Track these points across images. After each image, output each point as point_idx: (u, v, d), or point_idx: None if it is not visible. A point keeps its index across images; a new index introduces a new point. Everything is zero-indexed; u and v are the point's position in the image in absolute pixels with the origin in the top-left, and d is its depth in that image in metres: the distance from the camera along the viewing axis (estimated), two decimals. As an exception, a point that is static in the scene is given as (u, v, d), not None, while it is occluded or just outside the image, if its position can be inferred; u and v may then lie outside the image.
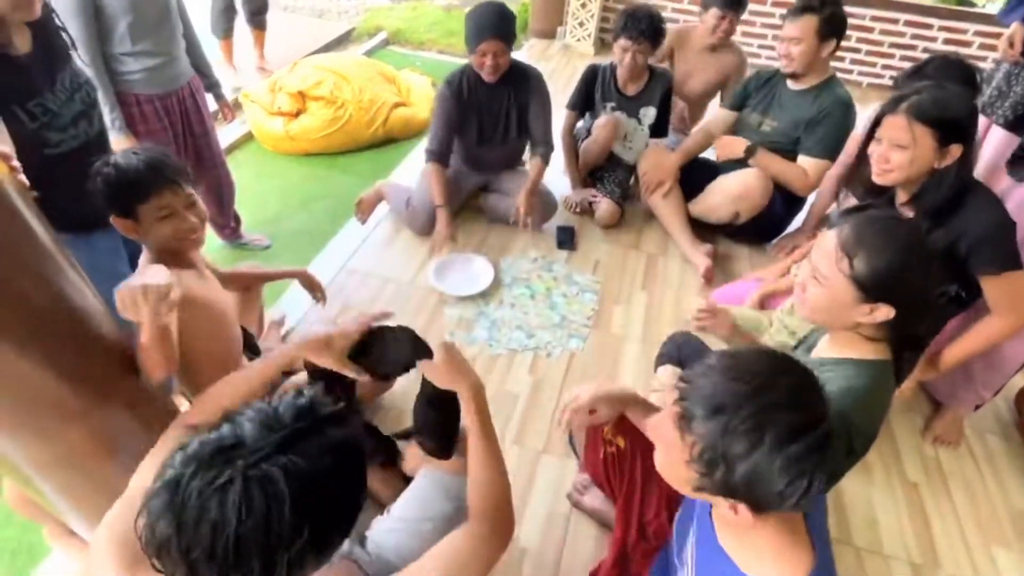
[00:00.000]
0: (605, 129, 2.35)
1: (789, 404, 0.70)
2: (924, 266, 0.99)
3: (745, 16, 3.77)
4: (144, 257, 1.30)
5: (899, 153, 1.34)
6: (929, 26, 3.74)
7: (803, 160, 2.14)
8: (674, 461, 0.75)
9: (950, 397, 1.79)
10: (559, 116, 2.43)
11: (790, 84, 2.14)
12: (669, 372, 1.73)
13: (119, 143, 1.82)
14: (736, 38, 2.68)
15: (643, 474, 1.30)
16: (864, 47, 3.91)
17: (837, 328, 1.08)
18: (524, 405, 1.74)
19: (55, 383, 0.94)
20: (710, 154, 2.41)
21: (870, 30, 3.84)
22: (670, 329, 1.98)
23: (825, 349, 1.13)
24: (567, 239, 2.37)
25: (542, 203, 2.35)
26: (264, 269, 1.75)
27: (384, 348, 1.07)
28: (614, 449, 1.30)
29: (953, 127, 1.31)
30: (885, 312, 0.98)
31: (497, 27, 1.98)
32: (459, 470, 1.18)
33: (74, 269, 1.00)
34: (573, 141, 2.53)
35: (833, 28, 1.97)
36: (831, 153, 2.11)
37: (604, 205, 2.45)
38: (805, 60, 2.00)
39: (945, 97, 1.32)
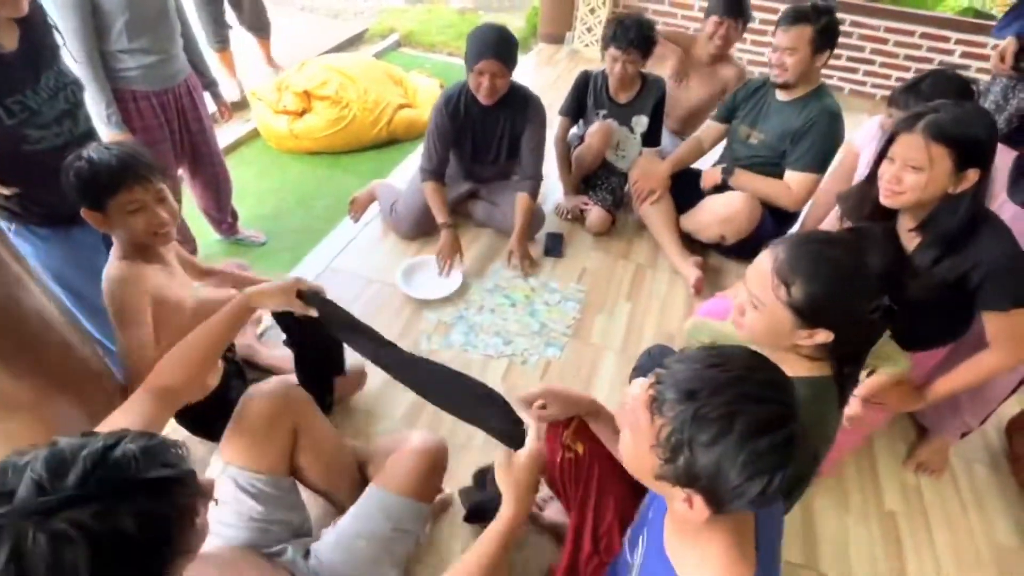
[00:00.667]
0: (597, 136, 2.33)
1: (762, 397, 0.69)
2: (862, 288, 0.96)
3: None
4: (114, 251, 1.32)
5: (913, 175, 1.25)
6: (946, 39, 3.63)
7: (789, 174, 2.09)
8: (639, 445, 0.74)
9: (936, 424, 1.73)
10: (553, 128, 2.42)
11: (779, 95, 2.08)
12: (642, 385, 1.71)
13: (114, 138, 1.86)
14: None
15: (599, 484, 1.28)
16: (878, 59, 3.82)
17: (776, 350, 1.06)
18: (494, 412, 1.73)
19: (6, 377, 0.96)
20: (706, 163, 2.38)
21: (884, 41, 3.75)
22: (651, 342, 1.97)
23: None
24: (554, 246, 2.35)
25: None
26: (250, 275, 1.74)
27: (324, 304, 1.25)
28: (572, 455, 1.28)
29: (973, 150, 1.23)
30: (824, 336, 0.96)
31: (497, 48, 1.95)
32: (405, 491, 1.17)
33: (19, 263, 1.02)
34: (566, 148, 2.51)
35: (827, 39, 1.92)
36: (817, 166, 2.06)
37: (595, 213, 2.43)
38: (798, 70, 1.95)
39: (966, 117, 1.24)
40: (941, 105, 1.27)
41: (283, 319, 1.36)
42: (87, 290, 1.60)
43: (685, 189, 2.34)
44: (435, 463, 1.26)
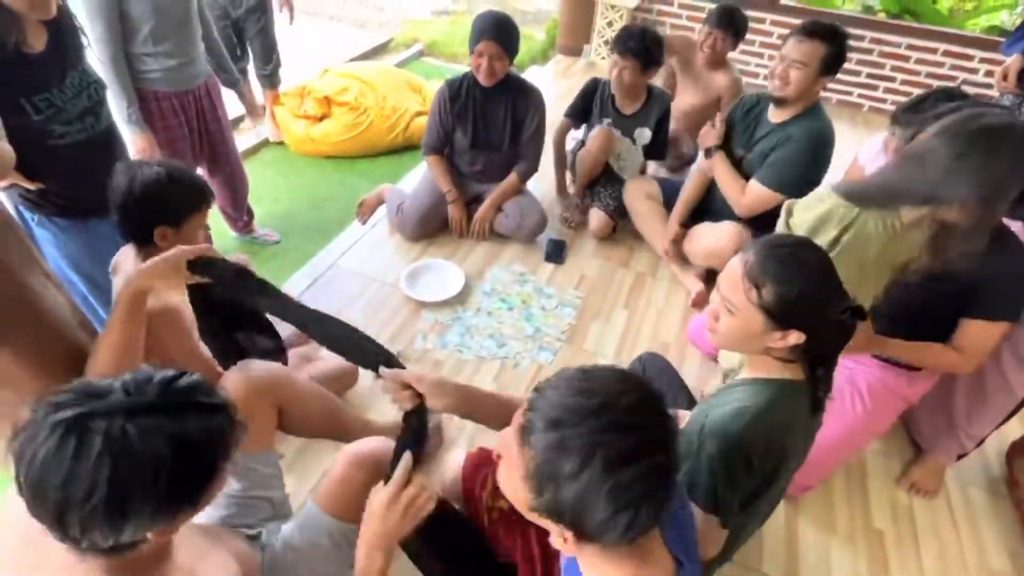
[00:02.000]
0: (597, 140, 2.37)
1: (626, 425, 0.66)
2: (831, 288, 0.98)
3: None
4: (131, 255, 1.35)
5: None
6: (970, 57, 3.57)
7: (750, 183, 2.02)
8: (513, 477, 0.72)
9: (932, 443, 1.70)
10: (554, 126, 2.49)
11: (771, 115, 2.01)
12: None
13: (134, 136, 1.96)
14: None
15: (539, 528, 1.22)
16: (899, 76, 3.77)
17: (750, 354, 1.07)
18: (482, 412, 1.76)
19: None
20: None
21: (906, 59, 3.70)
22: (645, 350, 1.97)
23: (743, 372, 1.12)
24: (555, 252, 2.38)
25: (533, 213, 2.37)
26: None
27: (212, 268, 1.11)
28: (497, 514, 1.22)
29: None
30: (796, 337, 0.98)
31: (495, 31, 2.07)
32: (339, 514, 1.09)
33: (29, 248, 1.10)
34: (563, 148, 2.58)
35: (835, 63, 1.86)
36: (778, 184, 1.94)
37: (596, 217, 2.45)
38: (801, 87, 1.87)
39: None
40: (962, 107, 1.27)
41: (200, 301, 1.19)
42: (103, 279, 1.69)
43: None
44: (367, 478, 1.07)
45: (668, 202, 2.37)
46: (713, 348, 1.96)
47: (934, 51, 3.63)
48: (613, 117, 2.39)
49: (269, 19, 3.05)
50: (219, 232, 2.46)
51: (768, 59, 3.99)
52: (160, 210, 1.29)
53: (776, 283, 0.96)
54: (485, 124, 2.29)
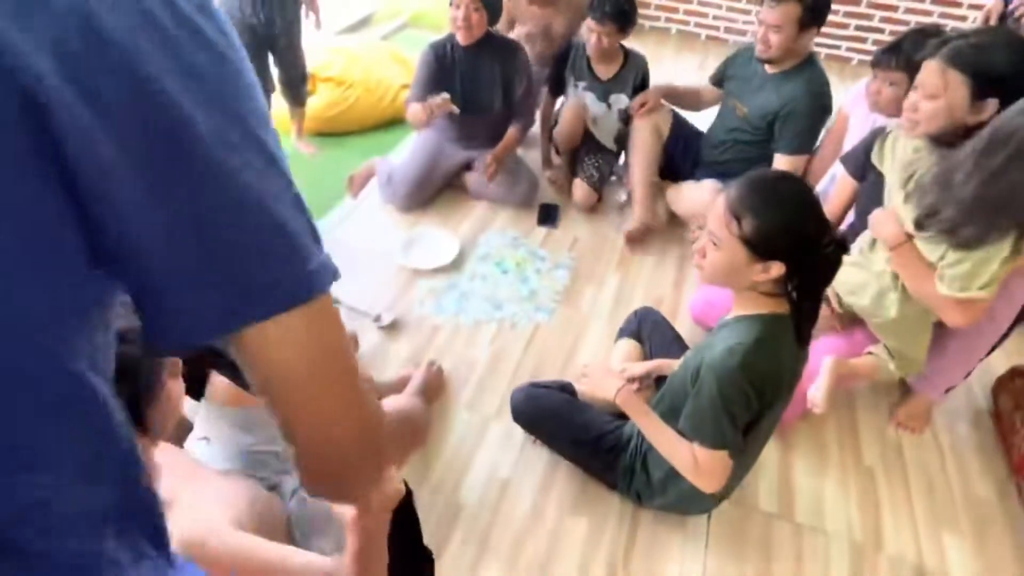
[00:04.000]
0: (568, 113, 2.36)
1: None
2: (810, 219, 1.02)
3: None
4: None
5: (929, 102, 1.27)
6: (958, 4, 3.55)
7: (778, 158, 2.07)
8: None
9: (920, 380, 1.74)
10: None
11: (766, 67, 2.05)
12: (625, 346, 1.76)
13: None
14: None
15: None
16: (888, 27, 3.74)
17: (737, 289, 1.11)
18: (481, 373, 1.80)
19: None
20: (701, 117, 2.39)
21: (894, 8, 3.67)
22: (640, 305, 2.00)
23: (731, 311, 1.16)
24: (549, 216, 2.40)
25: (524, 179, 2.38)
26: None
27: None
28: None
29: (991, 78, 1.22)
30: (778, 268, 1.01)
31: None
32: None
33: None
34: (548, 117, 2.57)
35: (815, 16, 1.87)
36: (807, 146, 2.05)
37: (580, 188, 2.44)
38: (783, 48, 1.91)
39: (989, 44, 1.24)
40: (972, 32, 1.30)
41: None
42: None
43: (680, 156, 2.36)
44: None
45: (674, 143, 2.34)
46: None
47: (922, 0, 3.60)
48: (589, 81, 2.36)
49: (298, 35, 2.75)
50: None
51: (728, 11, 3.96)
52: None
53: (755, 215, 0.99)
54: (473, 87, 2.27)
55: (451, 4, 2.10)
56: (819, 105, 2.00)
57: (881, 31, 3.75)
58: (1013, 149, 1.11)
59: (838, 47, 3.91)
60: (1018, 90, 1.19)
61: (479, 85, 2.28)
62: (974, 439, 1.74)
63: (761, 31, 1.93)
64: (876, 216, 1.46)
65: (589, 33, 2.21)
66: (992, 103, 1.22)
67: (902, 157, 1.43)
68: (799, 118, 1.99)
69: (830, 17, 3.66)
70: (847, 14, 3.76)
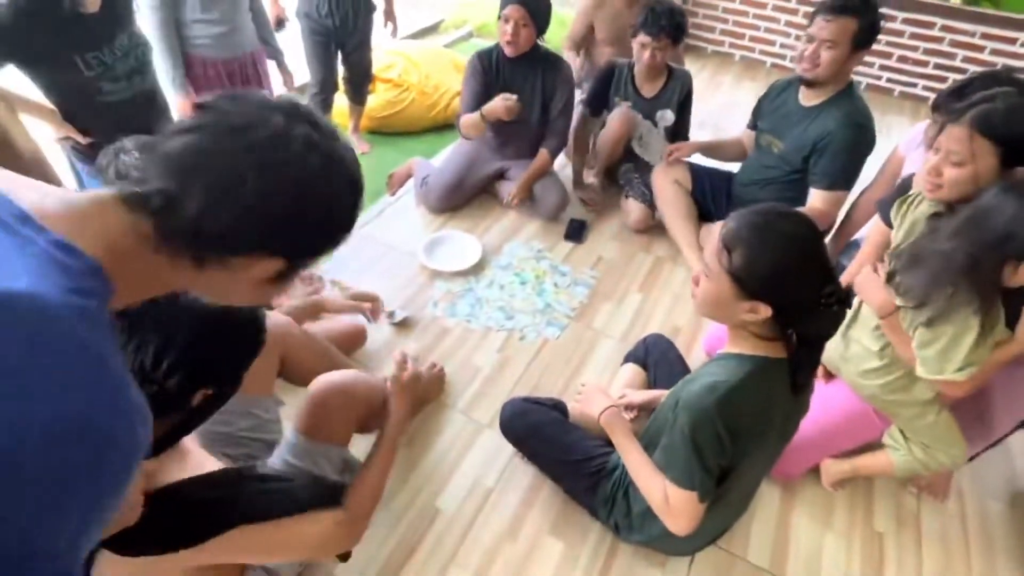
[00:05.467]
0: (617, 121, 2.33)
1: None
2: (805, 264, 0.94)
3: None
4: None
5: (953, 169, 1.18)
6: (1011, 40, 3.30)
7: (812, 192, 1.94)
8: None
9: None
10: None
11: (801, 99, 1.93)
12: (628, 371, 1.72)
13: (178, 99, 2.10)
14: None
15: None
16: (932, 60, 3.55)
17: (729, 324, 1.06)
18: (483, 380, 1.80)
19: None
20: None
21: (939, 40, 3.45)
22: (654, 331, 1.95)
23: (725, 345, 1.11)
24: (576, 232, 2.38)
25: (555, 193, 2.37)
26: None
27: None
28: None
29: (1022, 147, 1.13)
30: (764, 310, 0.95)
31: None
32: (312, 435, 1.20)
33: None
34: (584, 137, 2.54)
35: (869, 36, 1.75)
36: (844, 182, 1.91)
37: (635, 209, 2.39)
38: (833, 68, 1.79)
39: (1021, 108, 1.14)
40: (1000, 94, 1.18)
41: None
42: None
43: (712, 196, 2.29)
44: (327, 402, 1.22)
45: (701, 189, 2.29)
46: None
47: (971, 33, 3.39)
48: (633, 99, 2.34)
49: (368, 38, 2.85)
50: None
51: (795, 39, 3.82)
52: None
53: (746, 249, 0.94)
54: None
55: (500, 17, 2.13)
56: (860, 139, 1.86)
57: (963, 71, 3.52)
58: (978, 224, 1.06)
59: (914, 85, 3.70)
60: None
61: (520, 96, 2.29)
62: (1007, 521, 1.58)
63: (811, 49, 1.79)
64: (863, 278, 1.35)
65: (642, 49, 2.19)
66: (1022, 171, 1.12)
67: (912, 219, 1.33)
68: (837, 151, 1.86)
69: (908, 54, 3.60)
70: (927, 51, 3.56)
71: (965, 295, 1.07)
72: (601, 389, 1.41)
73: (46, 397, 0.41)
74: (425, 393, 1.69)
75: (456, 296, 2.07)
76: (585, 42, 2.81)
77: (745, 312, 0.97)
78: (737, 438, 1.02)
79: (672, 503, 1.10)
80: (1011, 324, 1.20)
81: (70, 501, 0.42)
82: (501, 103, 2.16)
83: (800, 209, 1.89)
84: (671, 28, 2.08)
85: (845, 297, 0.96)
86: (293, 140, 0.56)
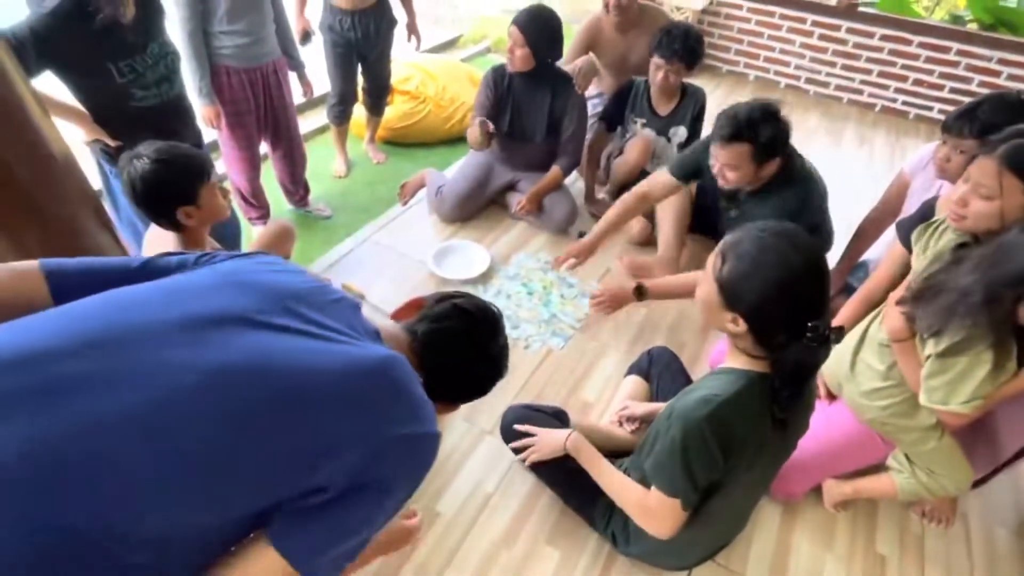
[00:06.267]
0: (636, 150, 2.37)
1: None
2: (785, 294, 0.93)
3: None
4: (164, 235, 1.44)
5: (981, 202, 1.17)
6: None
7: None
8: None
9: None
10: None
11: (748, 192, 1.79)
12: (631, 383, 1.73)
13: (203, 107, 2.17)
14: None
15: None
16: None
17: (716, 328, 1.07)
18: (486, 387, 1.81)
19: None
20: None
21: (997, 73, 3.43)
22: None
23: (724, 361, 1.12)
24: (585, 245, 2.39)
25: (564, 206, 2.40)
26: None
27: None
28: None
29: None
30: (742, 324, 0.96)
31: (521, 19, 2.17)
32: None
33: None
34: (597, 152, 2.57)
35: (772, 149, 1.62)
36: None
37: (635, 222, 2.43)
38: (745, 180, 1.68)
39: None
40: None
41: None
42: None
43: (709, 212, 2.28)
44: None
45: (703, 203, 2.29)
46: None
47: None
48: (648, 117, 2.38)
49: (388, 52, 2.90)
50: (276, 203, 2.65)
51: (811, 61, 3.87)
52: (169, 196, 1.31)
53: (736, 261, 0.96)
54: (520, 114, 2.35)
55: (508, 35, 2.21)
56: (812, 198, 1.75)
57: (977, 95, 3.50)
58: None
59: (930, 108, 3.69)
60: None
61: (527, 112, 2.35)
62: (1014, 550, 1.55)
63: (716, 167, 1.69)
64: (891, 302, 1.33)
65: (656, 70, 2.23)
66: None
67: (936, 248, 1.32)
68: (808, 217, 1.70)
69: (923, 77, 3.60)
70: (943, 75, 3.56)
71: (981, 329, 1.07)
72: (547, 432, 1.41)
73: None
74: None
75: (463, 304, 2.09)
76: (591, 74, 2.65)
77: (728, 322, 0.99)
78: (728, 452, 1.02)
79: (655, 507, 1.11)
80: (1023, 362, 1.19)
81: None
82: (476, 127, 2.24)
83: None
84: (684, 52, 2.12)
85: (830, 335, 0.94)
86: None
